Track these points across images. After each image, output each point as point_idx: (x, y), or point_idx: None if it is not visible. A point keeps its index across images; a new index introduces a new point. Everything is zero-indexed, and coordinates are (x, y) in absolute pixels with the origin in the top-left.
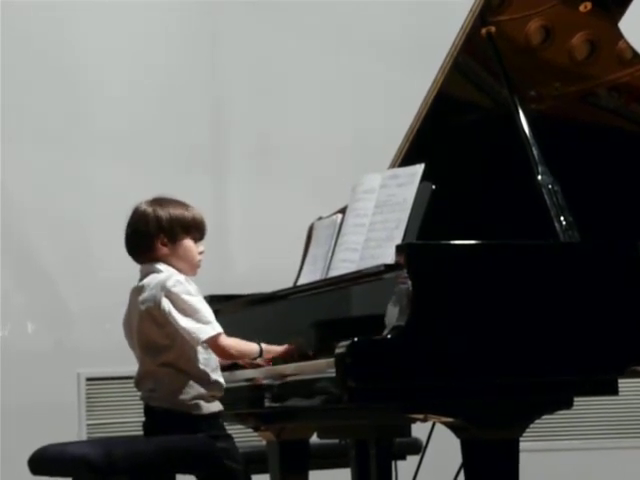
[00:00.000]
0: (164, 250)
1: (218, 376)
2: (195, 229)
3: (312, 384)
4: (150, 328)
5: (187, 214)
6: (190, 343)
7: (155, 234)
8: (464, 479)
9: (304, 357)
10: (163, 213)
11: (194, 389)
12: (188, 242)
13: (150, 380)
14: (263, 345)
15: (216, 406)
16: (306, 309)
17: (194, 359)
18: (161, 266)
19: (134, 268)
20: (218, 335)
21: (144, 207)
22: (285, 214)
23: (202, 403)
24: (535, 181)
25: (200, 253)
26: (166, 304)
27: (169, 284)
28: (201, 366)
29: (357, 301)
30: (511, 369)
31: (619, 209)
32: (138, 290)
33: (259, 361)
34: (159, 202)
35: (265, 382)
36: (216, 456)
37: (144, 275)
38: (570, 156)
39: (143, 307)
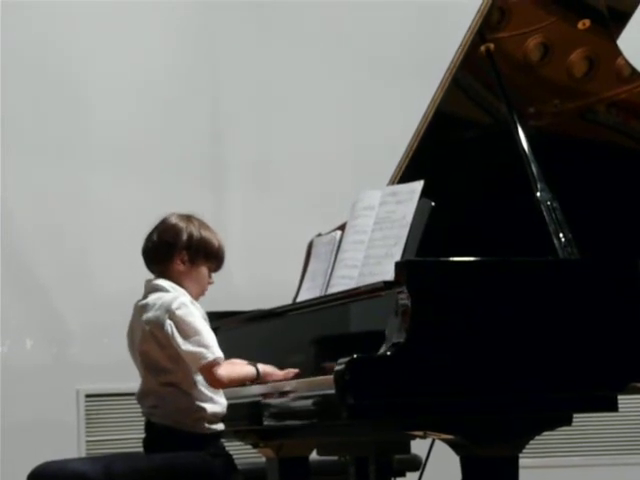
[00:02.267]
0: (180, 267)
1: (220, 397)
2: (215, 259)
3: (311, 401)
4: (153, 349)
5: (214, 241)
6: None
7: (179, 249)
8: None
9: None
10: (195, 232)
11: (197, 409)
12: (204, 269)
13: (152, 397)
14: (260, 367)
15: (218, 426)
16: (305, 326)
17: (197, 381)
18: (167, 284)
19: (133, 283)
20: (214, 363)
21: (176, 220)
22: (284, 229)
23: (204, 423)
24: (534, 198)
25: (209, 283)
26: (169, 326)
27: (174, 306)
28: (204, 388)
29: (356, 318)
30: (511, 386)
31: (618, 226)
32: (142, 308)
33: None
34: (191, 220)
35: (264, 399)
36: (215, 474)
37: (148, 291)
38: (569, 173)
39: (147, 327)
